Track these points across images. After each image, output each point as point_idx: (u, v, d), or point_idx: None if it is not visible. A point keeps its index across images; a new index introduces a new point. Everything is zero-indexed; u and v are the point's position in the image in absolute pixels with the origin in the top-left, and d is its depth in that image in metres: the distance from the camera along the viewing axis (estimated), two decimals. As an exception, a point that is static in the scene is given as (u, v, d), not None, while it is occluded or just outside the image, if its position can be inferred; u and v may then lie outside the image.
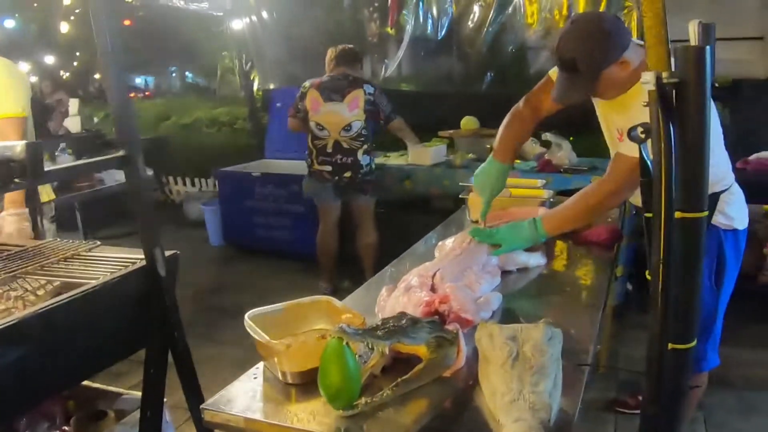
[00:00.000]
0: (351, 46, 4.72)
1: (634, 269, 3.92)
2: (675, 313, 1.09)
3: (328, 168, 4.52)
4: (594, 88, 2.09)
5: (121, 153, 1.64)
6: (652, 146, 1.06)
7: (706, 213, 1.08)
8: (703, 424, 3.02)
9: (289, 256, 5.73)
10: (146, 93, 13.41)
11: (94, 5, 1.54)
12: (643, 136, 1.11)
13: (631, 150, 2.02)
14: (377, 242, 4.73)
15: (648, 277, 1.15)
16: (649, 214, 1.14)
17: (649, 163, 1.26)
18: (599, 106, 2.41)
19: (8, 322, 1.54)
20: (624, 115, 2.15)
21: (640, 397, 3.08)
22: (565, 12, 4.96)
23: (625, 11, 4.63)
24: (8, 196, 2.81)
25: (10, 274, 1.89)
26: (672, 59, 1.07)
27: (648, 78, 1.05)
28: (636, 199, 2.55)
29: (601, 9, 4.70)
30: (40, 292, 1.79)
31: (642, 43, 2.10)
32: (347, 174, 4.50)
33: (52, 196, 3.27)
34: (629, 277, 4.04)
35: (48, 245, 2.16)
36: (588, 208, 2.20)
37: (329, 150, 4.49)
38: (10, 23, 8.40)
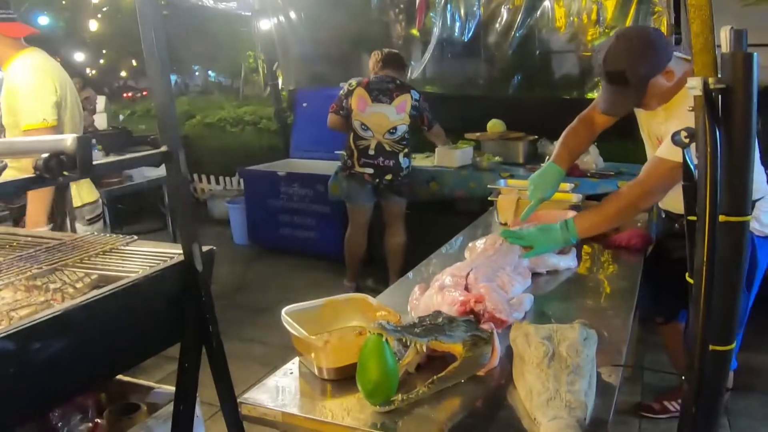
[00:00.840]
0: (396, 51, 4.75)
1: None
2: (717, 315, 1.10)
3: (370, 170, 4.50)
4: (641, 99, 2.17)
5: (163, 149, 1.67)
6: (697, 150, 1.07)
7: (750, 217, 1.09)
8: (728, 430, 3.01)
9: (312, 255, 5.76)
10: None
11: (141, 3, 1.58)
12: (686, 140, 1.12)
13: (668, 153, 2.07)
14: (405, 243, 4.73)
15: (689, 280, 1.16)
16: (693, 218, 1.15)
17: (692, 167, 1.27)
18: (641, 114, 2.46)
19: (49, 314, 1.56)
20: (665, 124, 2.23)
21: (665, 402, 3.09)
22: (594, 17, 4.95)
23: (655, 16, 4.61)
24: (30, 214, 2.82)
25: (50, 266, 1.91)
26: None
27: (694, 83, 1.06)
28: (665, 203, 2.56)
29: (631, 13, 4.69)
30: (79, 285, 1.80)
31: (682, 55, 2.22)
32: (388, 177, 4.50)
33: (92, 198, 3.26)
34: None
35: (86, 239, 2.19)
36: (620, 209, 2.22)
37: (371, 152, 4.48)
38: (43, 20, 8.51)
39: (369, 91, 4.46)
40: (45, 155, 1.33)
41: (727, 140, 1.06)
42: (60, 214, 2.83)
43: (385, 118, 4.44)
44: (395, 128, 4.44)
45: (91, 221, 3.21)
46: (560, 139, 2.60)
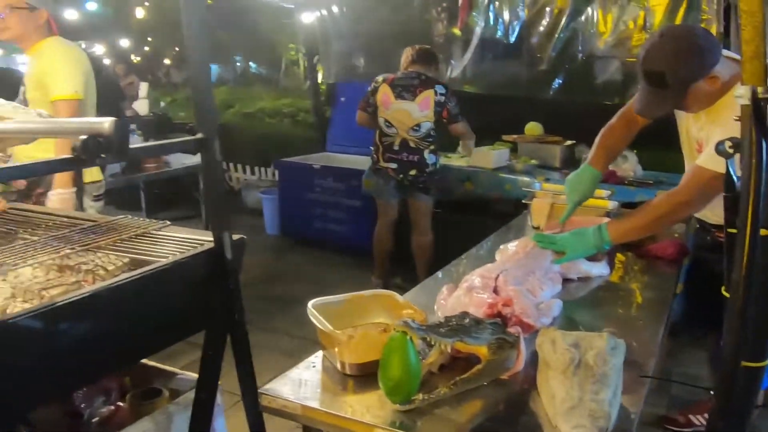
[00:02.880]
0: (428, 47, 4.71)
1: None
2: (751, 331, 1.07)
3: (394, 165, 4.51)
4: (680, 103, 2.07)
5: (199, 136, 1.68)
6: (742, 161, 1.03)
7: (793, 232, 1.06)
8: (756, 448, 2.95)
9: (343, 249, 5.77)
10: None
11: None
12: (731, 150, 1.09)
13: (709, 163, 1.96)
14: (432, 242, 4.71)
15: (725, 293, 1.13)
16: (733, 230, 1.12)
17: (735, 178, 1.23)
18: (680, 115, 2.37)
19: (79, 295, 1.57)
20: (706, 129, 2.12)
21: (691, 415, 3.03)
22: (641, 22, 4.86)
23: (703, 24, 4.51)
24: (58, 176, 2.97)
25: (84, 247, 1.94)
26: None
27: (742, 92, 1.03)
28: (703, 213, 2.50)
29: (678, 19, 4.59)
30: (110, 268, 1.82)
31: (732, 55, 2.08)
32: (412, 172, 4.48)
33: (99, 177, 3.40)
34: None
35: (120, 222, 2.22)
36: (657, 218, 2.13)
37: (396, 147, 4.49)
38: (92, 5, 8.66)
39: (393, 88, 4.47)
40: (83, 137, 1.35)
41: (774, 152, 1.02)
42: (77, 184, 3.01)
43: (408, 115, 4.43)
44: (419, 125, 4.42)
45: (96, 198, 3.35)
46: (597, 139, 2.51)
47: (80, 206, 3.04)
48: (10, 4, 2.93)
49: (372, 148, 4.67)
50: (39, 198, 3.05)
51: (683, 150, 2.47)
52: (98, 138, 1.36)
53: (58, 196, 2.94)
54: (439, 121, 4.46)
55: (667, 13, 4.69)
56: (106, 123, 1.37)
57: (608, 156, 2.51)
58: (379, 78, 4.58)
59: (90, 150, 1.34)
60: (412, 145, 4.45)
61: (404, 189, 4.61)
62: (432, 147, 4.49)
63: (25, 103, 3.01)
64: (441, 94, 4.42)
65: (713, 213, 2.34)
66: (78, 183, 3.04)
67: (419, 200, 4.63)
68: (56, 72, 2.95)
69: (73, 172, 3.00)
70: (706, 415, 3.02)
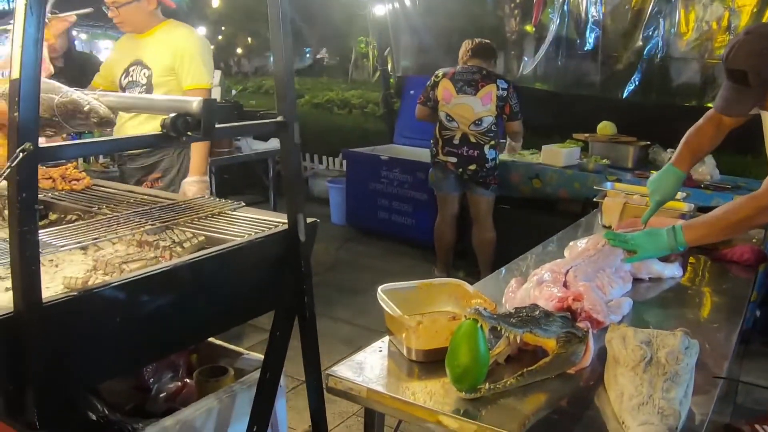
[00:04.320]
0: (487, 40, 4.67)
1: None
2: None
3: (453, 159, 4.51)
4: (762, 102, 2.02)
5: (279, 119, 1.73)
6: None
7: None
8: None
9: (408, 241, 5.80)
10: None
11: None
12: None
13: None
14: (494, 239, 4.68)
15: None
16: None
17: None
18: (765, 118, 2.30)
19: (158, 269, 1.64)
20: None
21: (757, 426, 2.94)
22: (725, 23, 4.70)
23: (789, 25, 4.34)
24: (193, 163, 3.10)
25: (163, 223, 2.01)
26: None
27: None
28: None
29: (765, 18, 4.43)
30: (187, 245, 1.88)
31: None
32: (472, 167, 4.47)
33: None
34: (761, 304, 3.83)
35: (197, 201, 2.29)
36: (736, 222, 2.06)
37: (456, 141, 4.48)
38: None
39: (454, 83, 4.45)
40: (173, 114, 1.40)
41: None
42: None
43: (470, 110, 4.41)
44: (480, 120, 4.40)
45: None
46: (683, 139, 2.45)
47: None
48: (115, 1, 3.05)
49: (432, 141, 4.67)
50: (154, 183, 3.20)
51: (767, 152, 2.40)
52: (186, 117, 1.41)
53: (195, 184, 3.05)
54: (500, 116, 4.43)
55: (753, 15, 4.53)
56: (195, 102, 1.42)
57: (693, 157, 2.46)
58: (439, 72, 4.57)
59: (178, 128, 1.40)
60: (472, 140, 4.44)
61: (463, 183, 4.60)
62: (492, 142, 4.46)
63: (149, 88, 3.14)
64: (503, 89, 4.39)
65: None
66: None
67: (479, 195, 4.62)
68: (191, 61, 3.08)
69: (206, 159, 3.14)
70: None
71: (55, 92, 1.57)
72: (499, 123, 4.48)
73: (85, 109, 1.56)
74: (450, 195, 4.73)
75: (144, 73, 3.14)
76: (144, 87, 3.13)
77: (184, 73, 3.07)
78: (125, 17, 3.09)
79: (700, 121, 2.45)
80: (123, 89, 3.19)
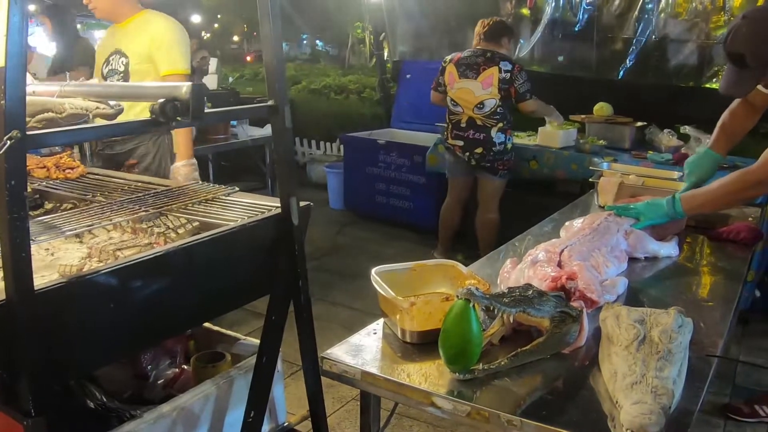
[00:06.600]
0: (498, 19, 4.63)
1: (766, 275, 3.73)
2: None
3: (460, 143, 4.50)
4: (761, 82, 2.11)
5: (270, 103, 1.72)
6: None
7: None
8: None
9: (405, 225, 5.80)
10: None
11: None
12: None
13: None
14: (496, 221, 4.66)
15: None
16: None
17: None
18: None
19: (151, 254, 1.64)
20: None
21: (756, 406, 2.97)
22: (719, 3, 4.66)
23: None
24: (180, 148, 3.10)
25: (157, 210, 2.01)
26: None
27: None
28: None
29: (761, 1, 4.40)
30: (181, 231, 1.88)
31: None
32: (478, 150, 4.45)
33: None
34: (758, 284, 3.84)
35: (191, 187, 2.29)
36: (730, 193, 2.17)
37: (463, 125, 4.48)
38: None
39: (458, 67, 4.46)
40: (161, 100, 1.40)
41: None
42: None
43: (471, 93, 4.40)
44: (482, 103, 4.37)
45: None
46: (718, 123, 2.56)
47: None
48: None
49: (443, 125, 4.69)
50: (130, 169, 3.17)
51: None
52: (175, 102, 1.41)
53: (185, 168, 3.06)
54: (507, 98, 4.39)
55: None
56: (184, 87, 1.42)
57: (729, 140, 2.56)
58: (447, 58, 4.59)
59: (167, 113, 1.39)
60: (479, 123, 4.42)
61: (471, 167, 4.58)
62: (501, 125, 4.42)
63: (126, 75, 3.13)
64: (506, 71, 4.33)
65: None
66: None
67: (485, 179, 4.60)
68: (169, 48, 3.06)
69: (191, 143, 3.16)
70: None
71: (55, 110, 1.58)
72: (505, 105, 4.41)
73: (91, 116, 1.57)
74: (459, 179, 4.74)
75: (122, 62, 3.14)
76: (122, 75, 3.13)
77: (161, 59, 3.05)
78: (97, 3, 3.09)
79: (733, 105, 2.53)
80: (105, 78, 3.19)
